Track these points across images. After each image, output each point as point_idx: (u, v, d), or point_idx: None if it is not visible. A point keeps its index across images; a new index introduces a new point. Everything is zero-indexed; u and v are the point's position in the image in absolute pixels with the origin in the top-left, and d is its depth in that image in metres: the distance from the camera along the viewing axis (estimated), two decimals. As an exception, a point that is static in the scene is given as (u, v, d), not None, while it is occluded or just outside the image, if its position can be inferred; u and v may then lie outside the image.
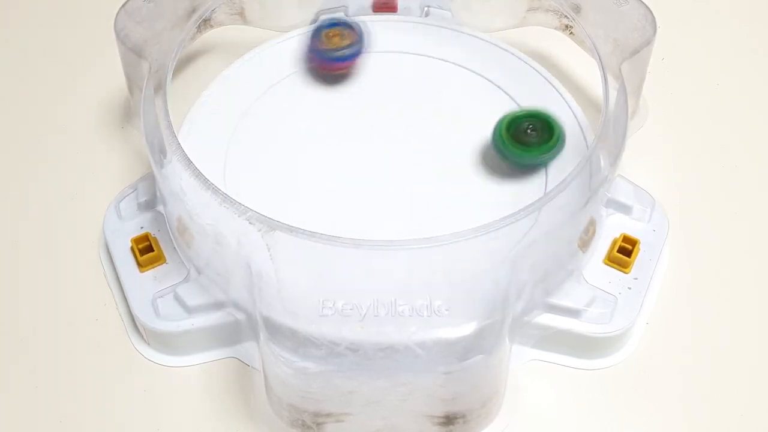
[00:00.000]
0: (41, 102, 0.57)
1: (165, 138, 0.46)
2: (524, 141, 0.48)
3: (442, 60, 0.55)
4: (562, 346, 0.46)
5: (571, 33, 0.55)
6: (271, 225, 0.42)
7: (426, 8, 0.57)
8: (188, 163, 0.44)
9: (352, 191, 0.49)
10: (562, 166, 0.49)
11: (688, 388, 0.46)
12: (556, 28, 0.55)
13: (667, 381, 0.47)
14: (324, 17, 0.55)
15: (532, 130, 0.48)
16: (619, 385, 0.46)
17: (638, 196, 0.49)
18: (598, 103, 0.55)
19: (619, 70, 0.48)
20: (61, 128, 0.56)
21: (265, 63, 0.54)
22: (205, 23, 0.55)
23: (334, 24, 0.53)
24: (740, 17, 0.61)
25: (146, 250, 0.48)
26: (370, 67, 0.54)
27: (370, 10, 0.57)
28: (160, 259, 0.47)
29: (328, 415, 0.43)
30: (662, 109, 0.56)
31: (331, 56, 0.52)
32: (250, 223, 0.42)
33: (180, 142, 0.46)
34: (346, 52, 0.53)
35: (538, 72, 0.54)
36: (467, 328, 0.42)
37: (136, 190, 0.50)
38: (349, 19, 0.54)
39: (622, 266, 0.47)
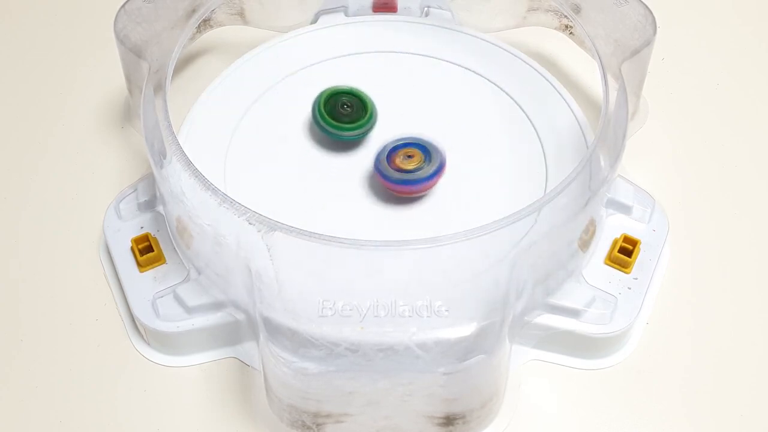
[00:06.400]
0: (41, 102, 0.57)
1: (165, 138, 0.46)
2: (340, 119, 0.50)
3: (442, 60, 0.55)
4: (563, 346, 0.46)
5: (571, 33, 0.55)
6: (270, 225, 0.42)
7: (426, 8, 0.57)
8: (188, 163, 0.44)
9: (351, 191, 0.49)
10: (562, 166, 0.50)
11: (688, 388, 0.46)
12: (556, 29, 0.55)
13: (667, 381, 0.47)
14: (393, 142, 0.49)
15: (347, 107, 0.50)
16: (619, 385, 0.46)
17: (638, 197, 0.49)
18: (598, 103, 0.55)
19: (619, 70, 0.48)
20: (61, 129, 0.56)
21: (265, 63, 0.54)
22: (205, 23, 0.55)
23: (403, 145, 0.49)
24: (740, 17, 0.61)
25: (146, 250, 0.48)
26: (370, 67, 0.54)
27: (370, 10, 0.57)
28: (160, 260, 0.47)
29: (328, 415, 0.43)
30: (662, 109, 0.56)
31: (411, 179, 0.48)
32: (249, 223, 0.42)
33: (180, 142, 0.46)
34: (426, 172, 0.48)
35: (538, 72, 0.54)
36: (467, 329, 0.42)
37: (136, 190, 0.50)
38: (416, 140, 0.49)
39: (623, 266, 0.47)
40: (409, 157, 0.48)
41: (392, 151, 0.48)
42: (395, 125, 0.51)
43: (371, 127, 0.50)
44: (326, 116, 0.50)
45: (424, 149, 0.48)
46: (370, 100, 0.50)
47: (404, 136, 0.49)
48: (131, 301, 0.47)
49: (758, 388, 0.47)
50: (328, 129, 0.50)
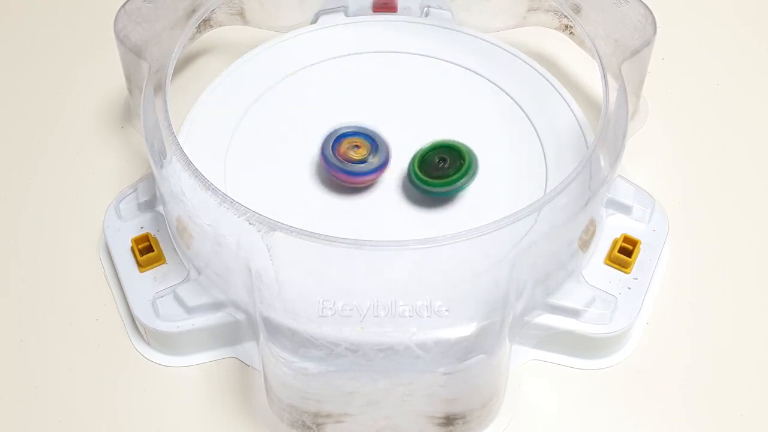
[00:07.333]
0: (41, 102, 0.57)
1: (165, 138, 0.46)
2: (438, 174, 0.48)
3: (442, 60, 0.55)
4: (563, 346, 0.46)
5: (571, 33, 0.55)
6: (270, 225, 0.42)
7: (426, 8, 0.57)
8: (188, 163, 0.44)
9: (352, 191, 0.49)
10: (562, 166, 0.50)
11: (688, 388, 0.46)
12: (556, 28, 0.55)
13: (667, 381, 0.47)
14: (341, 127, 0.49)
15: (442, 161, 0.48)
16: (619, 385, 0.46)
17: (638, 197, 0.49)
18: (598, 103, 0.55)
19: (619, 70, 0.48)
20: (61, 128, 0.56)
21: (265, 63, 0.54)
22: (205, 23, 0.55)
23: (349, 134, 0.49)
24: (740, 17, 0.61)
25: (146, 250, 0.48)
26: (370, 67, 0.54)
27: (370, 10, 0.57)
28: (160, 260, 0.47)
29: (328, 415, 0.43)
30: (662, 109, 0.56)
31: (355, 171, 0.48)
32: (249, 223, 0.42)
33: (180, 142, 0.46)
34: (372, 165, 0.48)
35: (538, 72, 0.54)
36: (467, 329, 0.42)
37: (136, 190, 0.50)
38: (361, 129, 0.49)
39: (623, 266, 0.47)
40: (356, 147, 0.48)
41: (340, 138, 0.48)
42: (395, 125, 0.51)
43: (476, 169, 0.48)
44: (426, 178, 0.48)
45: (372, 141, 0.49)
46: (463, 145, 0.48)
47: (354, 124, 0.49)
48: (131, 301, 0.47)
49: (758, 388, 0.47)
50: (435, 190, 0.48)
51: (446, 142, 0.49)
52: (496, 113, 0.52)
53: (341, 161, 0.48)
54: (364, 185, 0.49)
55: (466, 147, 0.48)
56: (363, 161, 0.48)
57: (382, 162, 0.48)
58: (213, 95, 0.53)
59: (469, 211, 0.48)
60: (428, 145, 0.49)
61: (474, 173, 0.48)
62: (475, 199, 0.49)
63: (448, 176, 0.48)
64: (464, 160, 0.48)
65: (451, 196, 0.49)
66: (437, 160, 0.48)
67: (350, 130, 0.49)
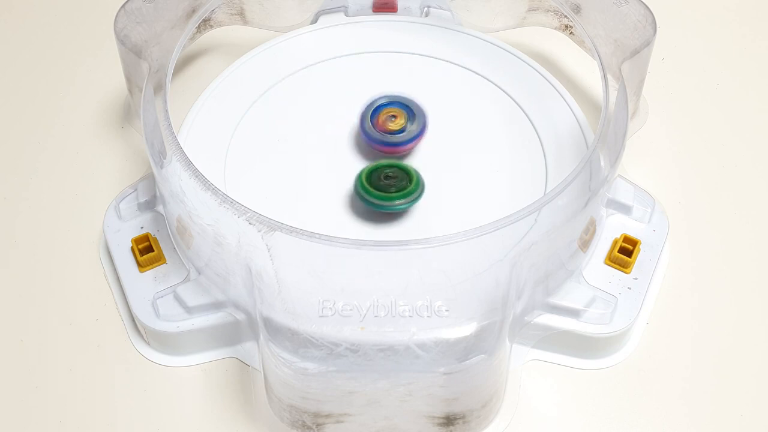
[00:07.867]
0: (41, 102, 0.57)
1: (165, 138, 0.46)
2: (380, 187, 0.48)
3: (442, 60, 0.55)
4: (563, 346, 0.46)
5: (571, 33, 0.55)
6: (271, 225, 0.42)
7: (426, 8, 0.57)
8: (188, 163, 0.44)
9: (352, 191, 0.49)
10: (562, 166, 0.50)
11: (688, 388, 0.46)
12: (556, 29, 0.55)
13: (667, 381, 0.47)
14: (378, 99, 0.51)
15: (387, 178, 0.48)
16: (619, 385, 0.46)
17: (638, 197, 0.49)
18: (598, 103, 0.55)
19: (619, 70, 0.48)
20: (61, 128, 0.56)
21: (265, 63, 0.54)
22: (205, 23, 0.55)
23: (386, 104, 0.50)
24: (740, 17, 0.61)
25: (146, 250, 0.48)
26: (370, 67, 0.54)
27: (370, 10, 0.57)
28: (160, 259, 0.47)
29: (328, 415, 0.43)
30: (662, 109, 0.56)
31: (393, 141, 0.49)
32: (250, 223, 0.42)
33: (180, 142, 0.46)
34: (408, 135, 0.50)
35: (538, 72, 0.54)
36: (467, 329, 0.42)
37: (136, 190, 0.50)
38: (399, 98, 0.51)
39: (623, 266, 0.47)
40: (393, 117, 0.49)
41: (377, 110, 0.50)
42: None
43: (421, 193, 0.48)
44: (368, 187, 0.47)
45: (408, 109, 0.50)
46: (413, 169, 0.48)
47: (387, 94, 0.50)
48: (131, 301, 0.47)
49: (758, 388, 0.47)
50: (372, 201, 0.47)
51: (400, 164, 0.48)
52: (496, 113, 0.52)
53: (381, 133, 0.49)
54: (404, 154, 0.50)
55: (416, 172, 0.48)
56: (402, 131, 0.49)
57: (420, 129, 0.50)
58: (213, 95, 0.53)
59: (469, 211, 0.48)
60: (384, 161, 0.49)
61: (417, 198, 0.48)
62: (474, 199, 0.49)
63: (388, 192, 0.47)
64: (410, 182, 0.48)
65: (387, 211, 0.48)
66: (383, 177, 0.48)
67: (385, 100, 0.50)
